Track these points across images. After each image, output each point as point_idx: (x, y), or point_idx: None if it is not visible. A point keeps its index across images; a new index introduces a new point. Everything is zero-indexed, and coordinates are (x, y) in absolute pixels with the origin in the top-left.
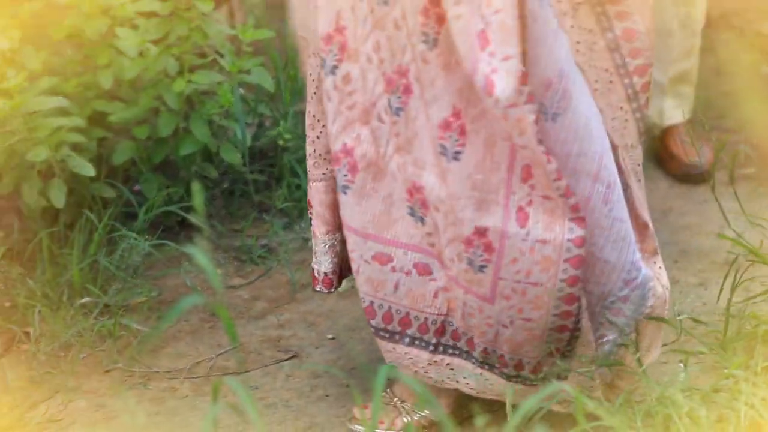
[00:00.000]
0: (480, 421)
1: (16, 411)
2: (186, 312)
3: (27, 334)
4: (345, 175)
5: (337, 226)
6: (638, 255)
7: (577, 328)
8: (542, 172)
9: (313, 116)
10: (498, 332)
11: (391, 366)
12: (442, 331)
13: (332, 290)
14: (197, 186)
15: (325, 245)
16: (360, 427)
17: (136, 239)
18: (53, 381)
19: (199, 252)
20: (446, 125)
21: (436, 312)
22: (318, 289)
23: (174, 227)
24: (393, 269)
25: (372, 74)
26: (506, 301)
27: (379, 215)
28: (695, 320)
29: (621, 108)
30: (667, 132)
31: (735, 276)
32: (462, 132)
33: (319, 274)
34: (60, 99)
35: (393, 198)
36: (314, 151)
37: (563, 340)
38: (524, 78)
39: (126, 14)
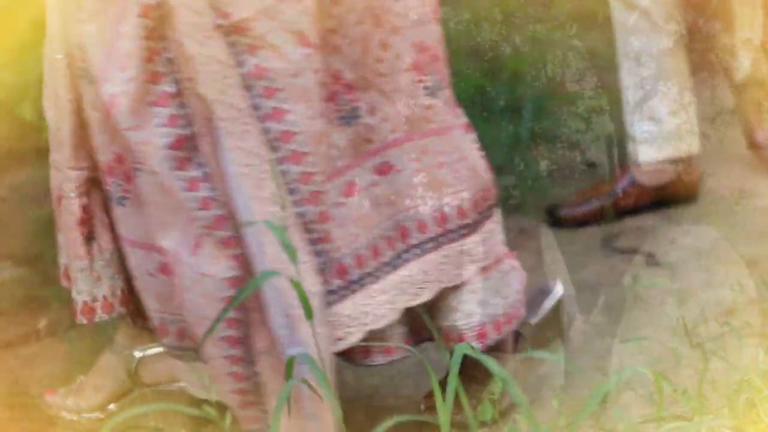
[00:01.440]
0: (556, 402)
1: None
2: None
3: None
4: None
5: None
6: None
7: (253, 376)
8: (183, 199)
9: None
10: None
11: (467, 344)
12: None
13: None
14: None
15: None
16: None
17: None
18: None
19: (273, 225)
20: (110, 170)
21: None
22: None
23: None
24: None
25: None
26: (197, 331)
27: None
28: None
29: (257, 155)
30: (743, 91)
31: None
32: (127, 178)
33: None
34: None
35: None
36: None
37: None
38: (163, 100)
39: None
